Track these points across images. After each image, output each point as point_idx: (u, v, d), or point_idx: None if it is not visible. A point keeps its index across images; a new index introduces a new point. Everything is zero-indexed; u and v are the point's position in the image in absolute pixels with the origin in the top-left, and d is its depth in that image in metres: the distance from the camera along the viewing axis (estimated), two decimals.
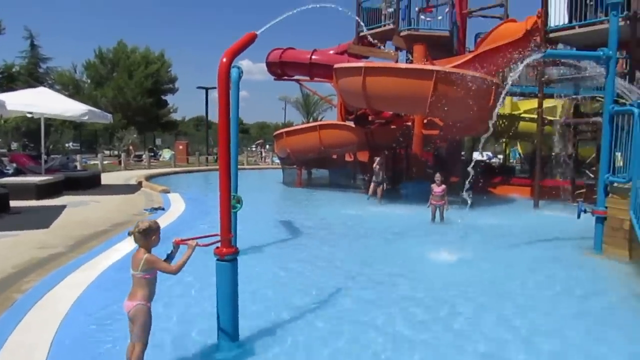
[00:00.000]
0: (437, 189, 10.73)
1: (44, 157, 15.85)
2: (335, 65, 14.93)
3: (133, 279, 3.49)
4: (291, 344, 4.23)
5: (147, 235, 3.51)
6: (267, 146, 46.21)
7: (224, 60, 3.88)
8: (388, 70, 13.14)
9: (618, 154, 7.86)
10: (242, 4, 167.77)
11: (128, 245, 7.28)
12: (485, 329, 4.65)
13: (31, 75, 42.42)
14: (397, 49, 18.04)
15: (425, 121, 15.66)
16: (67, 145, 43.60)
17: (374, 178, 14.06)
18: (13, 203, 10.92)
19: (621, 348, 4.31)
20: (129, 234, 3.57)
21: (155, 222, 3.63)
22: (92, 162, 27.52)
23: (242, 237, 5.71)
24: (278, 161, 24.10)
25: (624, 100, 8.67)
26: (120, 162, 27.99)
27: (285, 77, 21.36)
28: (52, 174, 14.75)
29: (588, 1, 11.78)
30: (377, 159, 14.42)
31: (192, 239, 3.80)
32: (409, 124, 16.16)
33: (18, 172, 14.94)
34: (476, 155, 11.44)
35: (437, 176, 10.93)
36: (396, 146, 16.99)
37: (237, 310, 4.05)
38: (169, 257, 3.71)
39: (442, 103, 12.03)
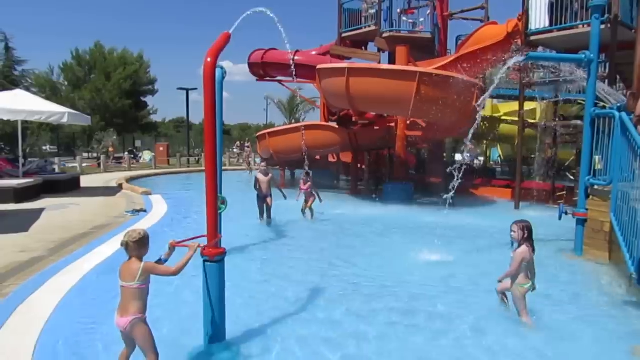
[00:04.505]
0: (303, 186, 11.40)
1: (21, 160, 15.52)
2: (319, 66, 14.89)
3: (125, 291, 3.35)
4: (279, 344, 4.21)
5: (143, 245, 3.43)
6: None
7: (209, 60, 3.83)
8: (371, 71, 13.13)
9: (596, 157, 7.94)
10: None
11: (110, 248, 7.18)
12: (460, 332, 4.69)
13: (6, 78, 41.45)
14: (379, 50, 18.09)
15: (408, 122, 15.74)
16: (44, 148, 42.63)
17: (260, 193, 10.73)
18: None
19: (589, 347, 4.45)
20: (122, 245, 3.44)
21: (144, 230, 3.53)
22: (70, 165, 26.98)
23: (226, 238, 5.66)
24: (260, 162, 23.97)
25: (603, 104, 8.75)
26: (99, 165, 27.53)
27: (268, 78, 21.28)
28: (30, 177, 14.45)
29: (568, 5, 11.87)
30: (262, 166, 11.33)
31: (186, 240, 3.74)
32: (392, 125, 16.21)
33: None
34: (458, 157, 11.52)
35: (303, 175, 11.79)
36: (379, 147, 17.05)
37: (224, 310, 4.02)
38: (161, 261, 3.61)
39: (425, 104, 12.10)
